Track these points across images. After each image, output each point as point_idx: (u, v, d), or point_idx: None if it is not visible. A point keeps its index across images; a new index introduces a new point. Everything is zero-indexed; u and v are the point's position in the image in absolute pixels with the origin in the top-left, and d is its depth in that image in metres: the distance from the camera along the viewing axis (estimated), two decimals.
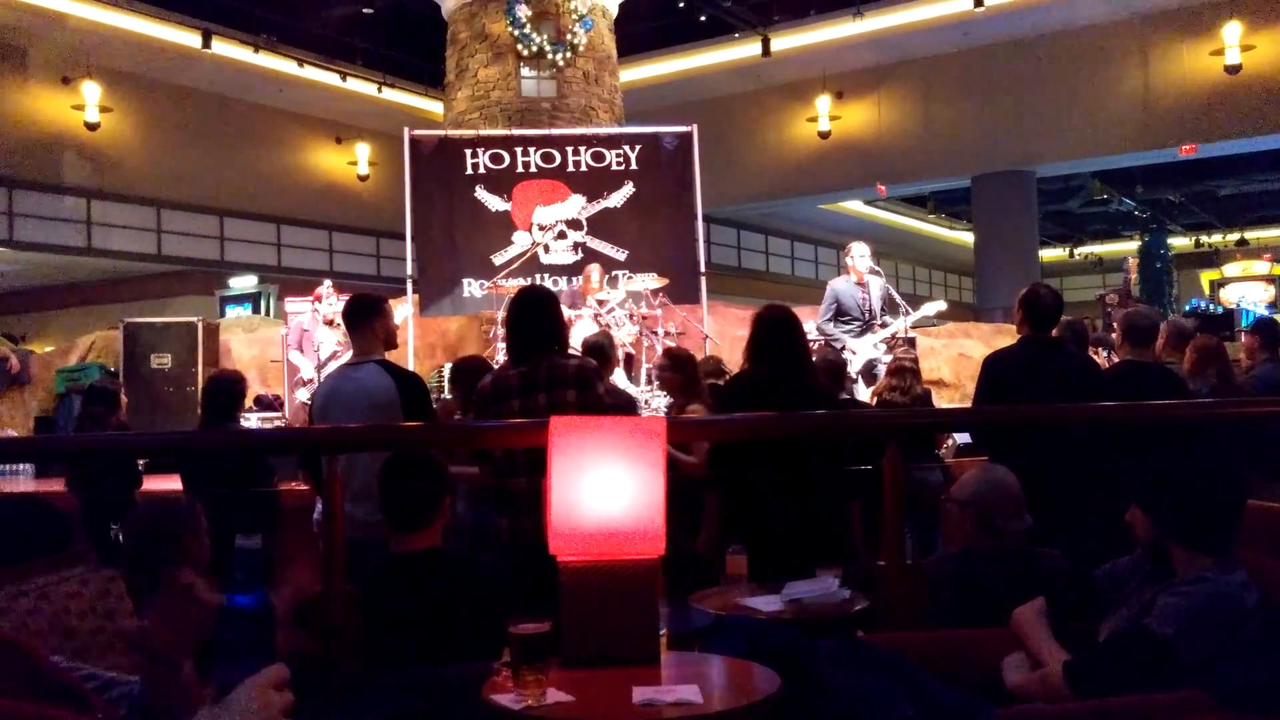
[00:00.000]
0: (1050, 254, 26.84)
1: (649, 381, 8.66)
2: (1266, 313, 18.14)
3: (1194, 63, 15.77)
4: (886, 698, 2.41)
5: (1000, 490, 3.32)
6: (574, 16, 12.03)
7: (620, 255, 9.88)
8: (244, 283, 18.04)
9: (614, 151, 10.08)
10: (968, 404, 6.87)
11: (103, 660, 2.49)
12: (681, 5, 16.48)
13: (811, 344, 8.79)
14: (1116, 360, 5.42)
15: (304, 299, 9.48)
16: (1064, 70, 16.66)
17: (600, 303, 8.68)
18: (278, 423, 8.61)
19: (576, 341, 8.12)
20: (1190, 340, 6.10)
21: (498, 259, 9.75)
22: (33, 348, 13.74)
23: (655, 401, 8.39)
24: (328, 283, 8.72)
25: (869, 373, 7.68)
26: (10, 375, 10.12)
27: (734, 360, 7.20)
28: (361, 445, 3.86)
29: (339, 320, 8.32)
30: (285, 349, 8.57)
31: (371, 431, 3.89)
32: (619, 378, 8.22)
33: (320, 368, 7.92)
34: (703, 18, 16.81)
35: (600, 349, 5.64)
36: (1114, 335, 5.70)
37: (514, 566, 3.55)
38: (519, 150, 10.01)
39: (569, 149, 10.06)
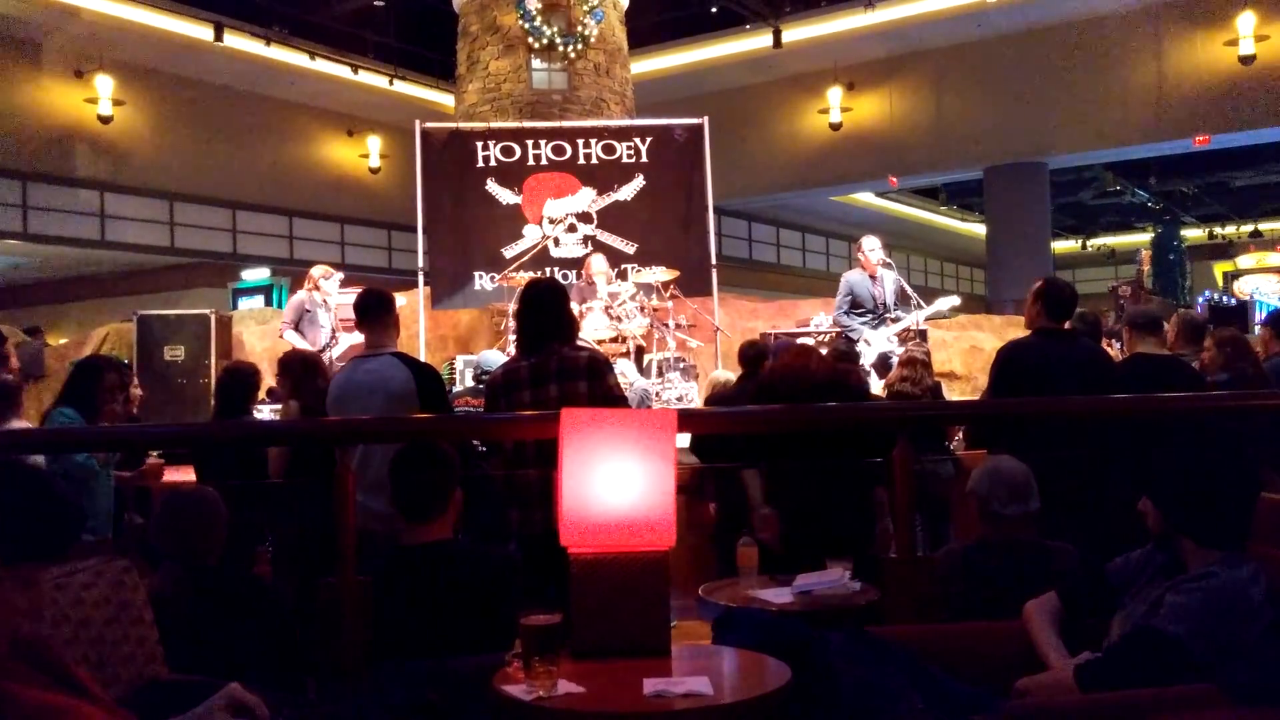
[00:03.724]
0: (1063, 246, 26.74)
1: (659, 374, 8.66)
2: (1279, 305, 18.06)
3: (1208, 53, 15.67)
4: (896, 690, 2.42)
5: (997, 476, 3.35)
6: (585, 8, 12.01)
7: (630, 248, 9.88)
8: (256, 275, 18.08)
9: (625, 144, 10.06)
10: (978, 396, 6.86)
11: (118, 650, 2.51)
12: None
13: (826, 335, 8.85)
14: (1126, 354, 5.41)
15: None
16: (1077, 61, 16.58)
17: (611, 295, 8.69)
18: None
19: (587, 333, 8.15)
20: (1204, 333, 6.08)
21: (508, 252, 9.75)
22: (47, 340, 13.81)
23: (666, 393, 8.41)
24: (324, 267, 8.71)
25: (883, 364, 7.69)
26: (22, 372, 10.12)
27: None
28: (374, 437, 3.87)
29: (333, 305, 8.41)
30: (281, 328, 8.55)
31: (384, 423, 3.90)
32: (630, 370, 8.24)
33: (321, 351, 7.98)
34: (714, 9, 16.77)
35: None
36: (1122, 329, 5.70)
37: (525, 558, 3.57)
38: (530, 143, 10.00)
39: (580, 141, 10.04)
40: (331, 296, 8.45)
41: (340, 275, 8.67)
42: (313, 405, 4.73)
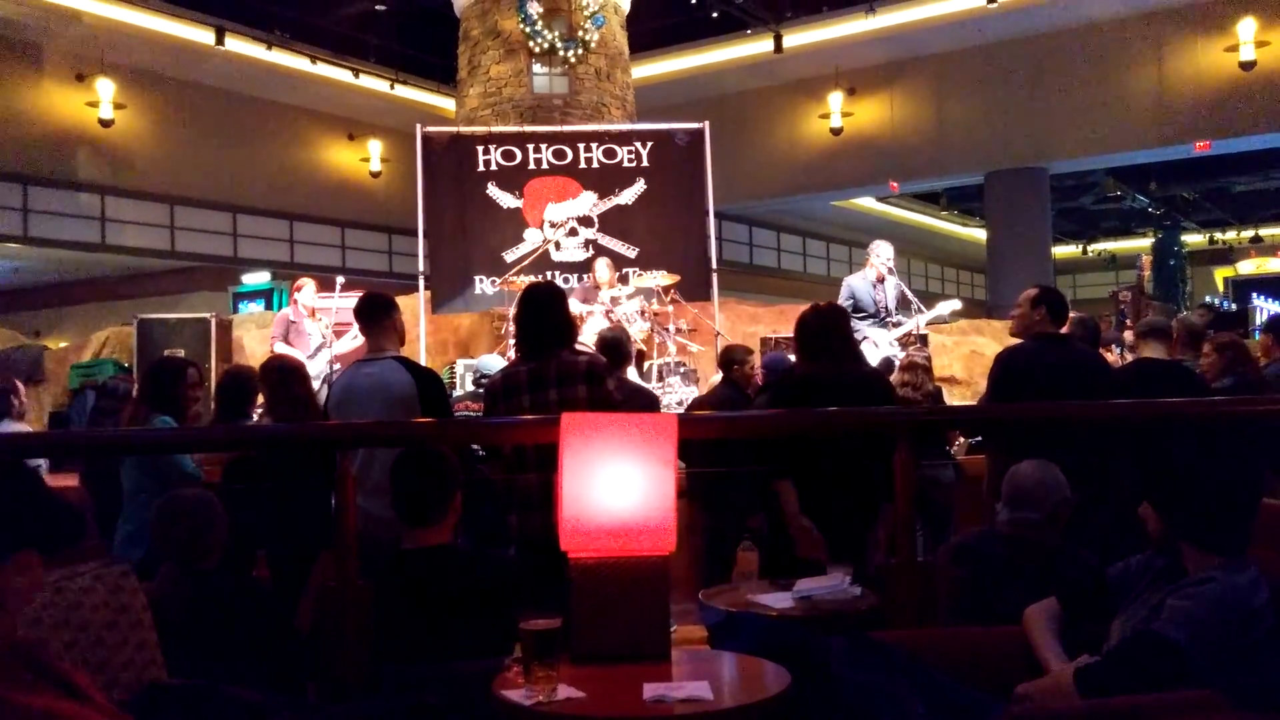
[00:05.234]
0: (1063, 251, 26.74)
1: (660, 378, 8.66)
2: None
3: (1208, 59, 15.68)
4: (897, 695, 2.41)
5: (1009, 480, 3.39)
6: (586, 13, 12.03)
7: (631, 252, 9.88)
8: (257, 279, 18.10)
9: (626, 148, 10.07)
10: (978, 401, 6.84)
11: (117, 654, 2.51)
12: (693, 2, 16.46)
13: None
14: (1129, 359, 5.42)
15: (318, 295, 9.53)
16: (1078, 67, 16.59)
17: (612, 299, 8.69)
18: None
19: (589, 337, 8.15)
20: (1203, 337, 6.08)
21: (509, 256, 9.75)
22: (47, 343, 13.81)
23: (666, 397, 8.41)
24: (302, 279, 8.81)
25: (886, 369, 7.68)
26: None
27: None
28: (374, 441, 3.87)
29: (320, 314, 8.49)
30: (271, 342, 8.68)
31: (385, 427, 3.90)
32: (630, 374, 8.24)
33: (310, 358, 8.07)
34: (715, 14, 16.77)
35: (617, 344, 5.64)
36: (1127, 335, 5.71)
37: (524, 562, 3.56)
38: (531, 147, 10.01)
39: (581, 146, 10.05)
40: (313, 305, 8.53)
41: (313, 284, 8.73)
42: (288, 414, 4.69)
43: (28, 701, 1.62)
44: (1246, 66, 15.08)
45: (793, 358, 6.46)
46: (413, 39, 17.61)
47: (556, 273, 9.63)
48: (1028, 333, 4.80)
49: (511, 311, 8.15)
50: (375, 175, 19.47)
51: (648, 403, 5.86)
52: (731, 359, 6.34)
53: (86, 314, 19.15)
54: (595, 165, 10.02)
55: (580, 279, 9.41)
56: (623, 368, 5.69)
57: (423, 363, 7.39)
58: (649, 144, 10.12)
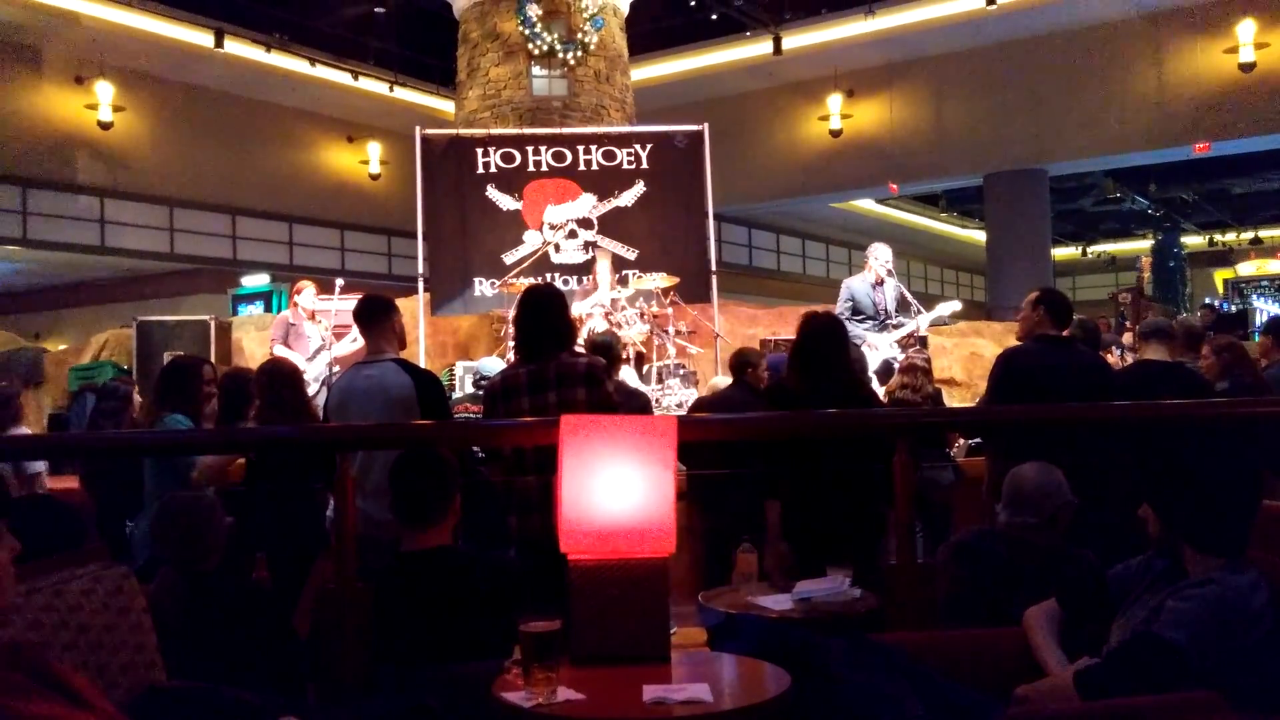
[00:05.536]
0: (1063, 253, 26.76)
1: (659, 380, 8.66)
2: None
3: (1207, 61, 15.69)
4: (897, 697, 2.41)
5: (1010, 481, 3.40)
6: (585, 15, 12.03)
7: (631, 254, 9.88)
8: (256, 281, 18.10)
9: (625, 150, 10.06)
10: (978, 402, 6.84)
11: (116, 657, 2.50)
12: (693, 4, 16.47)
13: None
14: (1130, 360, 5.43)
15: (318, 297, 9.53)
16: (1077, 68, 16.60)
17: (612, 301, 8.69)
18: None
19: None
20: (1201, 339, 6.09)
21: (509, 258, 9.75)
22: (46, 346, 13.80)
23: (666, 399, 8.40)
24: (302, 282, 8.82)
25: (886, 372, 7.68)
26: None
27: None
28: (374, 443, 3.87)
29: (320, 316, 8.50)
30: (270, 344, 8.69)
31: (385, 429, 3.90)
32: (629, 376, 8.24)
33: (310, 361, 8.10)
34: (714, 16, 16.80)
35: (606, 346, 5.65)
36: (1127, 336, 5.71)
37: (524, 564, 3.56)
38: (530, 149, 10.01)
39: (580, 148, 10.04)
40: (313, 307, 8.54)
41: (313, 287, 8.74)
42: (276, 418, 4.68)
43: (27, 708, 1.61)
44: (1246, 68, 15.10)
45: None
46: (412, 41, 17.63)
47: (556, 275, 9.62)
48: (1030, 334, 4.80)
49: (511, 314, 8.16)
50: (374, 177, 19.48)
51: (640, 405, 5.86)
52: (745, 361, 6.33)
53: (86, 316, 19.16)
54: (595, 167, 10.02)
55: (580, 281, 9.40)
56: (614, 370, 5.70)
57: (422, 365, 7.39)
58: (648, 146, 10.11)
